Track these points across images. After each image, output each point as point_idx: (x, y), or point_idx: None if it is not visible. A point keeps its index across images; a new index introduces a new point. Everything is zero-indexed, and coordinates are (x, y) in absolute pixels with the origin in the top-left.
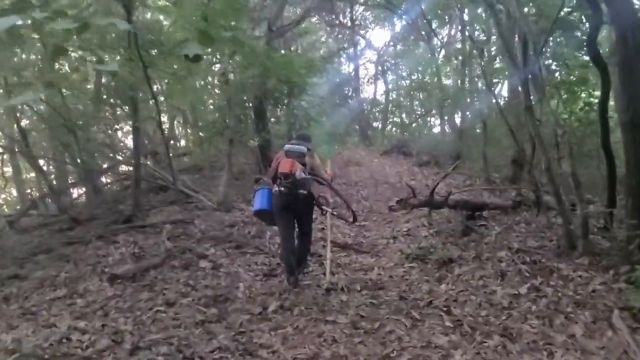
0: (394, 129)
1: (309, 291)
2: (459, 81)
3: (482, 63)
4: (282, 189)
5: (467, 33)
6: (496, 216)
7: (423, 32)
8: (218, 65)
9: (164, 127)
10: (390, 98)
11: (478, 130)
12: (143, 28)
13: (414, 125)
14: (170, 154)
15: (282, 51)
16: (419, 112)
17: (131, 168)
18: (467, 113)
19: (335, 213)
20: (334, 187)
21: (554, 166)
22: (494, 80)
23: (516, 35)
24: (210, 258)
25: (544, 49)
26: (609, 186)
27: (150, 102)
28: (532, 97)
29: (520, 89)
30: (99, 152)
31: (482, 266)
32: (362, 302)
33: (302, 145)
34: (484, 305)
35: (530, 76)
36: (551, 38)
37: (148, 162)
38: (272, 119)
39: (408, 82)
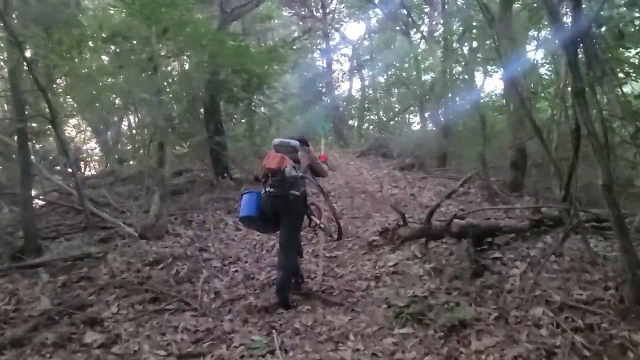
0: (370, 127)
1: None
2: (444, 70)
3: (495, 33)
4: (270, 189)
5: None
6: (510, 242)
7: (401, 22)
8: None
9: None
10: (367, 94)
11: (460, 128)
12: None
13: (391, 122)
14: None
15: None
16: (397, 109)
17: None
18: (453, 106)
19: (322, 226)
20: (325, 194)
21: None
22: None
23: None
24: (106, 324)
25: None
26: None
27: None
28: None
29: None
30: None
31: (512, 336)
32: None
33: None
34: None
35: (581, 45)
36: None
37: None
38: (235, 117)
39: (385, 77)
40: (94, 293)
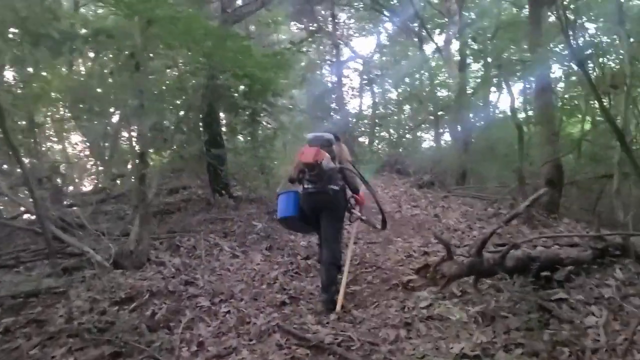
0: (381, 144)
1: None
2: (461, 85)
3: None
4: (308, 186)
5: None
6: (572, 278)
7: (413, 35)
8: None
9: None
10: (378, 111)
11: (481, 143)
12: None
13: (403, 139)
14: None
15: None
16: (410, 125)
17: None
18: (474, 120)
19: (364, 218)
20: (367, 183)
21: None
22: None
23: None
24: None
25: None
26: None
27: None
28: None
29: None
30: None
31: None
32: None
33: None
34: None
35: None
36: None
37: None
38: (237, 128)
39: (397, 92)
40: (39, 344)
